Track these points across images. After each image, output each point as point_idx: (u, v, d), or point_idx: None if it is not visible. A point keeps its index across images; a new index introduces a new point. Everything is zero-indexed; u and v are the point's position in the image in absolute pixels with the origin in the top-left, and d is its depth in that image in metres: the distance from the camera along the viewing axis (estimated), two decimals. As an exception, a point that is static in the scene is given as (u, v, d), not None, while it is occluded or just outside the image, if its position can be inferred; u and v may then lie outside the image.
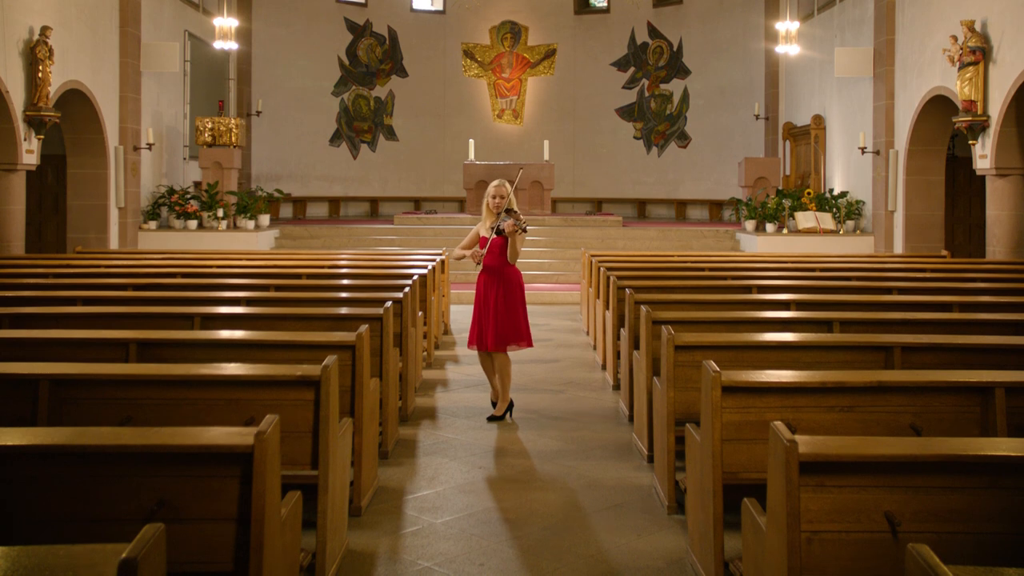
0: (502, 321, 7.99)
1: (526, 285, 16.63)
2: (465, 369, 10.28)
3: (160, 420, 4.66)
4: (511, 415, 8.16)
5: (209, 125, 18.85)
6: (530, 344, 8.21)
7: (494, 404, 8.24)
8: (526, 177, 20.77)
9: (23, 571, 2.44)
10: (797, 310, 8.00)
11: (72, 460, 3.54)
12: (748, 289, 9.52)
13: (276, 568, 3.69)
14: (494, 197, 8.05)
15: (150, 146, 17.48)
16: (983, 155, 13.52)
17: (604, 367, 10.25)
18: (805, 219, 17.86)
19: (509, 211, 7.95)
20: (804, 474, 3.52)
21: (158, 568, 2.57)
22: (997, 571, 2.45)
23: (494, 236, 7.96)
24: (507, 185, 8.10)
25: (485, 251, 7.96)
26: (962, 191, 19.02)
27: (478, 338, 8.08)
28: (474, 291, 8.32)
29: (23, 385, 4.72)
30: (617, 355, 9.27)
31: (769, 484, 3.70)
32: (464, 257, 8.20)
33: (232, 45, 19.31)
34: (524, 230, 7.92)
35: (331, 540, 4.76)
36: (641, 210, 25.01)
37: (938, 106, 15.12)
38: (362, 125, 25.17)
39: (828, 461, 3.55)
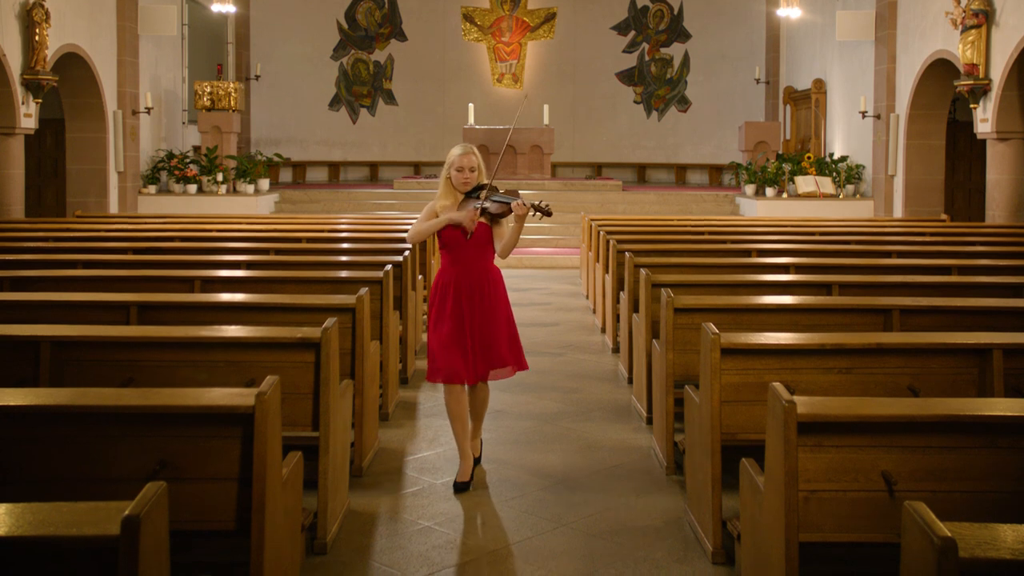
0: (490, 341, 5.61)
1: (526, 251, 16.78)
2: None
3: (161, 381, 4.68)
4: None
5: (208, 89, 18.77)
6: (526, 366, 5.85)
7: (463, 484, 5.59)
8: (526, 141, 20.71)
9: (27, 527, 2.47)
10: (796, 273, 8.01)
11: (74, 421, 3.57)
12: (747, 253, 9.52)
13: (278, 527, 3.72)
14: (460, 170, 5.60)
15: (149, 110, 17.42)
16: (984, 119, 13.47)
17: (603, 330, 10.27)
18: (805, 183, 17.82)
19: (482, 187, 5.63)
20: (802, 434, 3.54)
21: (160, 526, 2.60)
22: (991, 526, 2.48)
23: (478, 220, 5.57)
24: (476, 154, 5.69)
25: (474, 225, 5.58)
26: (962, 155, 18.97)
27: (450, 369, 5.53)
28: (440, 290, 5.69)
29: (24, 347, 4.74)
30: (616, 318, 9.30)
31: (767, 444, 3.73)
32: (442, 226, 5.62)
33: (230, 8, 19.21)
34: (548, 212, 5.47)
35: (332, 500, 4.79)
36: (641, 175, 24.93)
37: (940, 70, 15.05)
38: (361, 89, 25.04)
39: (826, 421, 3.58)
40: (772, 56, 23.41)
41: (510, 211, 5.51)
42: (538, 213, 5.47)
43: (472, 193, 5.65)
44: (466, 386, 5.67)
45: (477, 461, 5.87)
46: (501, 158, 6.94)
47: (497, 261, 5.78)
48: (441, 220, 5.63)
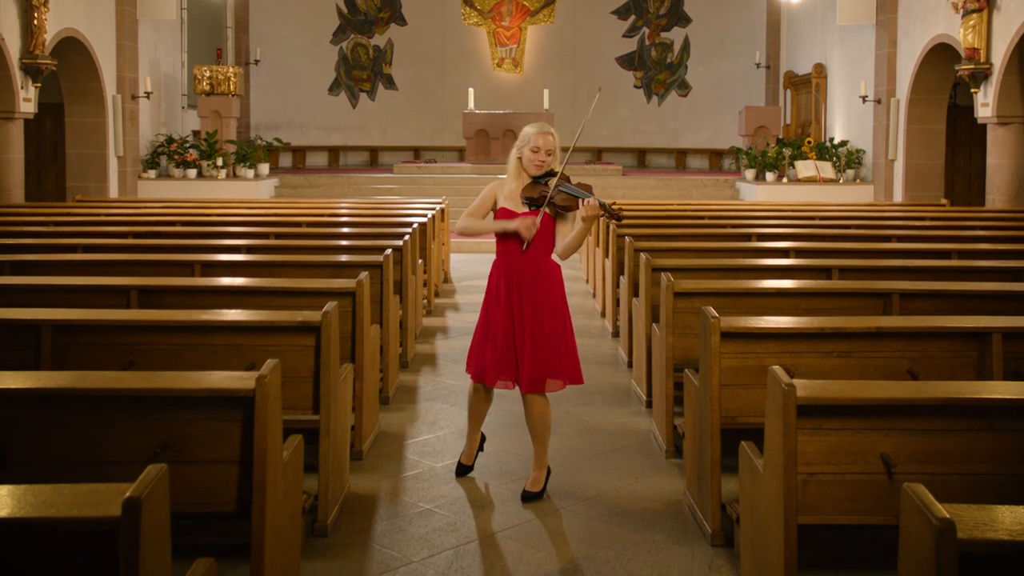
0: (543, 347, 5.08)
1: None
2: (465, 316, 10.30)
3: (162, 365, 4.69)
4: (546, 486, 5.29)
5: (207, 74, 18.72)
6: (581, 380, 5.29)
7: (466, 467, 5.54)
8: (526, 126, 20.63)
9: (29, 509, 2.47)
10: (796, 257, 8.01)
11: (75, 404, 3.57)
12: (747, 237, 9.52)
13: (279, 509, 3.73)
14: (535, 151, 5.07)
15: (148, 95, 17.38)
16: (985, 103, 13.45)
17: (603, 314, 10.28)
18: (805, 168, 17.80)
19: (553, 174, 5.09)
20: (801, 417, 3.55)
21: (161, 507, 2.60)
22: (989, 508, 2.49)
23: (542, 212, 5.03)
24: (554, 135, 5.16)
25: (536, 226, 5.04)
26: (963, 140, 18.95)
27: (479, 367, 5.20)
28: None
29: (25, 330, 4.75)
30: (616, 302, 9.31)
31: (767, 427, 3.73)
32: (503, 231, 5.13)
33: (229, -8, 19.13)
34: (618, 217, 5.12)
35: (333, 483, 4.80)
36: (641, 159, 24.91)
37: (941, 54, 15.02)
38: (361, 74, 24.99)
39: (825, 405, 3.58)
40: (772, 40, 23.36)
41: (576, 207, 4.97)
42: (607, 215, 5.00)
43: (541, 179, 5.09)
44: (493, 390, 5.27)
45: (540, 494, 5.19)
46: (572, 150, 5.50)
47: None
48: (494, 226, 5.14)
